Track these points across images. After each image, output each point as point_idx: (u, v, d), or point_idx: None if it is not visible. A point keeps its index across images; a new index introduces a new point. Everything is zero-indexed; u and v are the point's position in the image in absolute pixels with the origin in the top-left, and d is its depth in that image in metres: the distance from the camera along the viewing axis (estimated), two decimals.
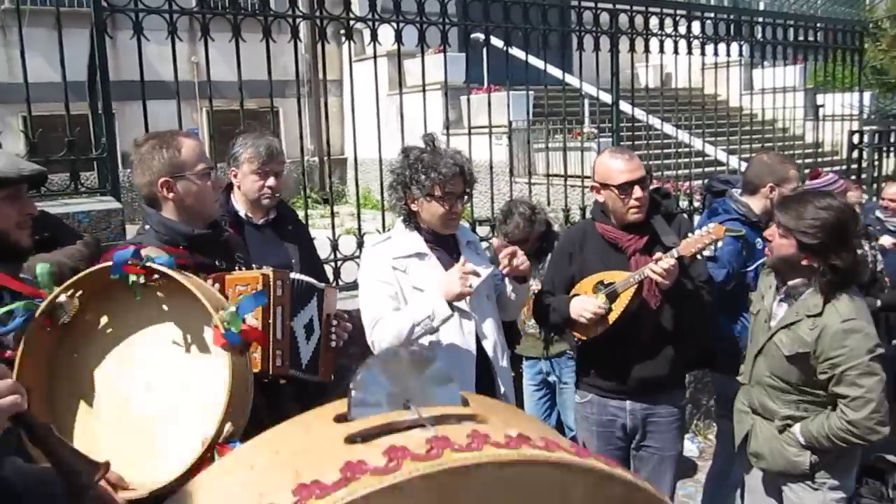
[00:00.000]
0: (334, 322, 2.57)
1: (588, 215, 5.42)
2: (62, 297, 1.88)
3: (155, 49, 3.72)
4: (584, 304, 3.10)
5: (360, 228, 4.31)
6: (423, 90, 4.44)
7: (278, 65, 4.03)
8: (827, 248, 2.78)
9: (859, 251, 4.82)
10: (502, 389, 3.05)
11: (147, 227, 2.34)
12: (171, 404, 1.93)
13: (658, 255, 2.95)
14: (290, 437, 1.03)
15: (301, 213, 4.24)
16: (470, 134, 4.75)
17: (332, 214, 4.35)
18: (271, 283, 2.21)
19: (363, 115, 4.62)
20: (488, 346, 2.98)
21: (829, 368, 2.74)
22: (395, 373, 1.04)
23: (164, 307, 2.01)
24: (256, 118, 10.88)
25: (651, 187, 3.30)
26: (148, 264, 1.88)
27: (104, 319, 2.01)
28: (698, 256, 2.96)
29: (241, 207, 3.21)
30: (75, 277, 1.92)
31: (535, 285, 3.83)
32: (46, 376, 1.94)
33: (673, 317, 3.16)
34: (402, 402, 1.01)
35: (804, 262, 2.83)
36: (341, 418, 1.02)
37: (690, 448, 5.11)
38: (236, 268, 2.38)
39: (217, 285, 2.16)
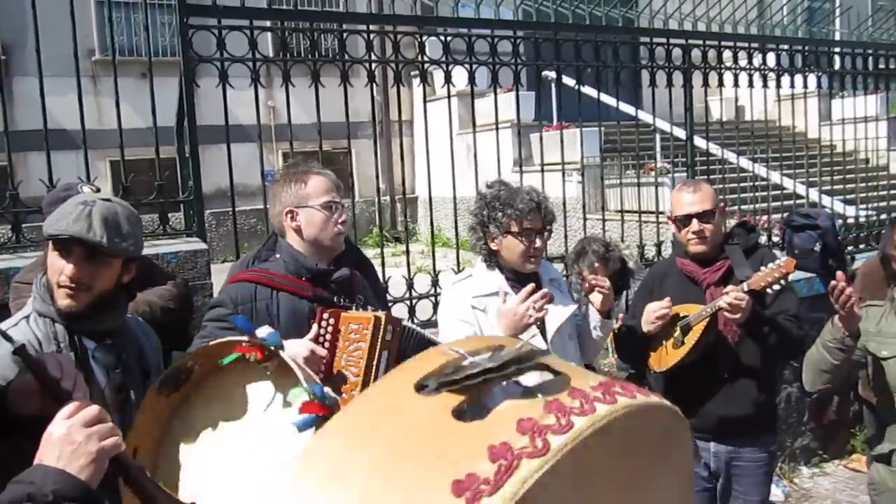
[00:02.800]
0: None
1: (664, 251, 5.39)
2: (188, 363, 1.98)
3: (233, 94, 3.87)
4: (650, 307, 3.08)
5: (434, 265, 4.35)
6: (497, 128, 4.48)
7: (350, 107, 4.14)
8: None
9: None
10: None
11: (277, 255, 2.52)
12: (262, 465, 1.98)
13: (729, 287, 2.90)
14: (383, 424, 0.98)
15: (372, 252, 4.35)
16: (543, 171, 4.76)
17: (408, 252, 4.40)
18: (382, 326, 2.29)
19: (434, 154, 4.69)
20: None
21: None
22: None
23: (267, 373, 2.10)
24: (331, 159, 11.19)
25: (736, 222, 3.28)
26: (260, 344, 1.96)
27: (217, 389, 2.08)
28: (771, 289, 2.89)
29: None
30: (196, 349, 2.04)
31: (614, 324, 3.80)
32: (158, 438, 2.00)
33: (755, 353, 3.08)
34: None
35: None
36: (420, 387, 1.01)
37: (775, 492, 4.91)
38: (354, 307, 2.46)
39: (332, 320, 2.31)
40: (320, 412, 1.96)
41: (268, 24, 3.97)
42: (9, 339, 1.54)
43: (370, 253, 4.36)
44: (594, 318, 2.99)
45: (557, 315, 2.94)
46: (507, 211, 2.84)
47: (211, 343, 2.04)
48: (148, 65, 3.68)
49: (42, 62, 3.38)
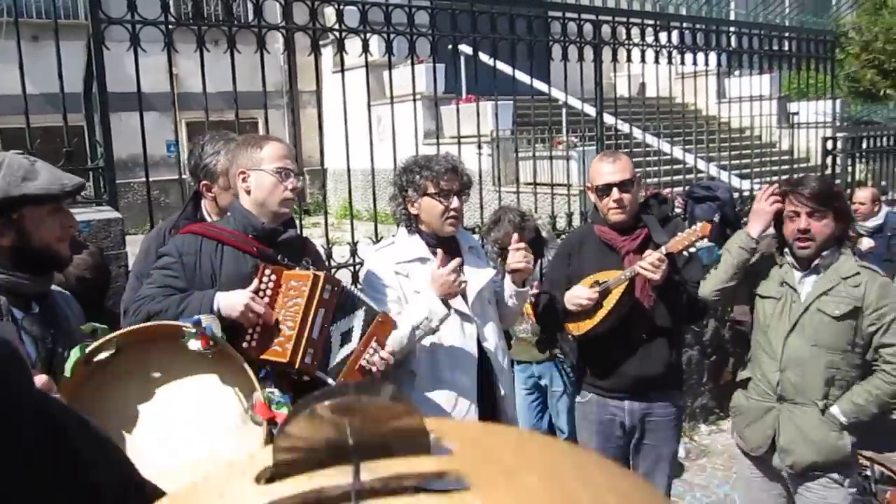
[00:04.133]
0: (373, 345, 2.60)
1: (574, 222, 5.57)
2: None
3: (140, 62, 3.74)
4: (577, 293, 3.20)
5: (353, 236, 4.36)
6: (391, 103, 4.48)
7: (256, 76, 4.05)
8: (847, 210, 3.11)
9: None
10: (503, 392, 3.12)
11: (228, 214, 2.59)
12: (188, 458, 2.02)
13: (648, 251, 3.06)
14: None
15: None
16: (460, 144, 4.81)
17: (326, 221, 4.39)
18: (320, 284, 2.37)
19: (341, 127, 4.64)
20: (490, 348, 3.05)
21: (877, 319, 2.94)
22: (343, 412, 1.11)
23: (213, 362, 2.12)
24: (239, 130, 10.91)
25: (648, 193, 3.43)
26: (205, 333, 2.05)
27: (156, 373, 2.12)
28: (687, 252, 3.07)
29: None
30: (129, 330, 2.06)
31: (529, 292, 3.92)
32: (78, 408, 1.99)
33: (667, 316, 3.25)
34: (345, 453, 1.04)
35: (839, 232, 3.02)
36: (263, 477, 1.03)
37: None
38: (297, 268, 2.52)
39: (274, 276, 2.39)
40: (275, 418, 2.02)
41: None
42: None
43: None
44: (509, 288, 3.09)
45: (477, 279, 3.04)
46: (423, 173, 2.95)
47: (143, 325, 2.12)
48: (54, 26, 3.51)
49: None
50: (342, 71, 4.15)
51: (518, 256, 2.99)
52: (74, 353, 1.96)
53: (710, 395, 5.74)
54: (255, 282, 2.36)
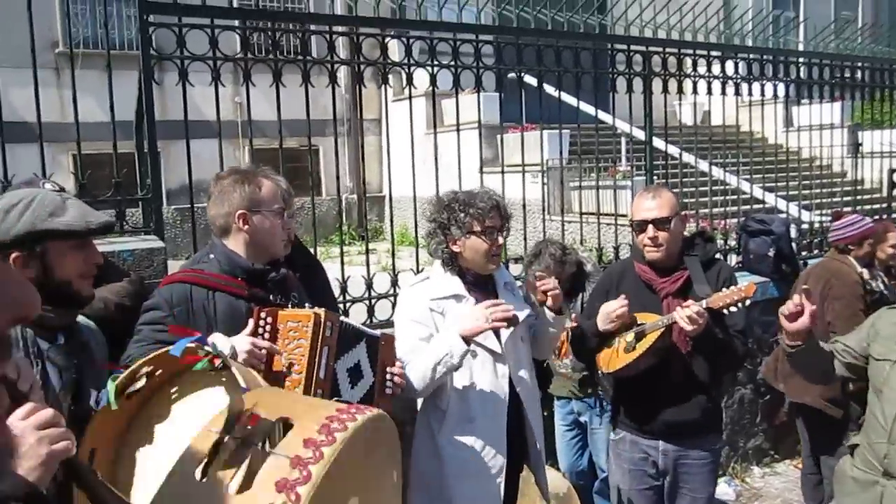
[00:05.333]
0: (389, 370, 2.60)
1: (622, 255, 5.47)
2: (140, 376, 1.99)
3: (200, 89, 3.86)
4: (608, 307, 3.11)
5: (394, 265, 4.37)
6: (458, 130, 4.52)
7: (318, 105, 4.15)
8: None
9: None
10: (534, 433, 3.07)
11: (211, 256, 2.51)
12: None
13: (689, 302, 2.96)
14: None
15: (337, 250, 4.37)
16: (503, 172, 4.80)
17: (367, 252, 4.42)
18: (322, 323, 2.31)
19: (401, 154, 4.72)
20: (521, 389, 3.01)
21: None
22: None
23: (223, 379, 2.13)
24: (297, 157, 11.11)
25: (696, 230, 3.34)
26: (209, 350, 1.99)
27: (174, 389, 2.10)
28: (727, 311, 2.95)
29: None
30: (150, 356, 2.03)
31: (568, 324, 3.86)
32: (116, 442, 2.01)
33: (704, 364, 3.16)
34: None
35: None
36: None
37: (727, 491, 5.03)
38: (289, 305, 2.48)
39: (270, 318, 2.33)
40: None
41: (229, 22, 3.94)
42: None
43: (336, 251, 4.40)
44: (549, 315, 3.05)
45: (508, 306, 2.99)
46: (468, 211, 2.91)
47: (161, 351, 2.06)
48: (107, 59, 3.64)
49: (5, 53, 3.34)
50: (409, 101, 4.22)
51: (547, 286, 2.97)
52: (111, 388, 1.99)
53: (765, 436, 5.53)
54: (251, 326, 2.31)
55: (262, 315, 2.32)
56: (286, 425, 1.46)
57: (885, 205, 7.74)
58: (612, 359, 3.17)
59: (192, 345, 2.04)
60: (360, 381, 2.49)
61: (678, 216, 3.19)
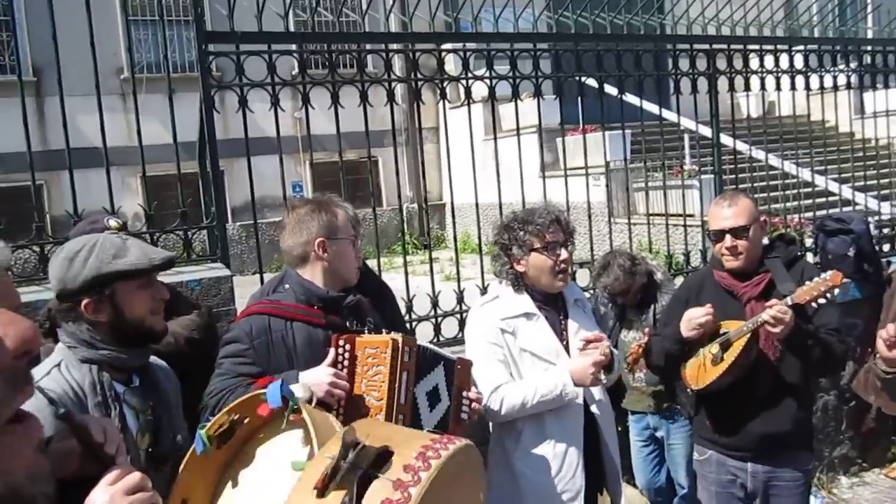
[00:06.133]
0: (465, 395, 2.58)
1: (693, 261, 5.31)
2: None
3: (260, 107, 3.88)
4: (692, 313, 2.98)
5: (459, 282, 4.32)
6: (518, 135, 4.45)
7: (376, 115, 4.13)
8: None
9: None
10: (611, 453, 2.99)
11: (286, 286, 2.56)
12: None
13: (772, 301, 2.83)
14: None
15: (400, 260, 4.35)
16: (566, 176, 4.71)
17: (432, 272, 4.37)
18: (400, 349, 2.32)
19: (460, 161, 4.68)
20: (596, 409, 2.95)
21: None
22: None
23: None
24: (357, 168, 11.20)
25: (776, 233, 3.21)
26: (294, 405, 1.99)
27: (261, 434, 2.11)
28: (815, 303, 2.81)
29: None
30: (235, 402, 2.04)
31: (642, 339, 3.74)
32: (210, 492, 2.02)
33: (797, 369, 3.01)
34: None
35: None
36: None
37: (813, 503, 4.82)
38: (366, 331, 2.50)
39: (348, 346, 2.35)
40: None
41: (286, 47, 3.94)
42: (52, 401, 1.55)
43: (398, 261, 4.40)
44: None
45: (581, 337, 2.92)
46: (527, 228, 2.87)
47: (246, 396, 2.07)
48: (167, 84, 3.69)
49: (73, 81, 3.43)
50: (469, 113, 4.18)
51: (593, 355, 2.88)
52: (202, 435, 1.99)
53: (851, 445, 5.29)
54: (332, 354, 2.32)
55: (341, 343, 2.34)
56: (388, 453, 1.67)
57: None
58: (701, 374, 3.04)
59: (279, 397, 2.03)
60: (437, 405, 2.48)
61: (757, 222, 3.06)
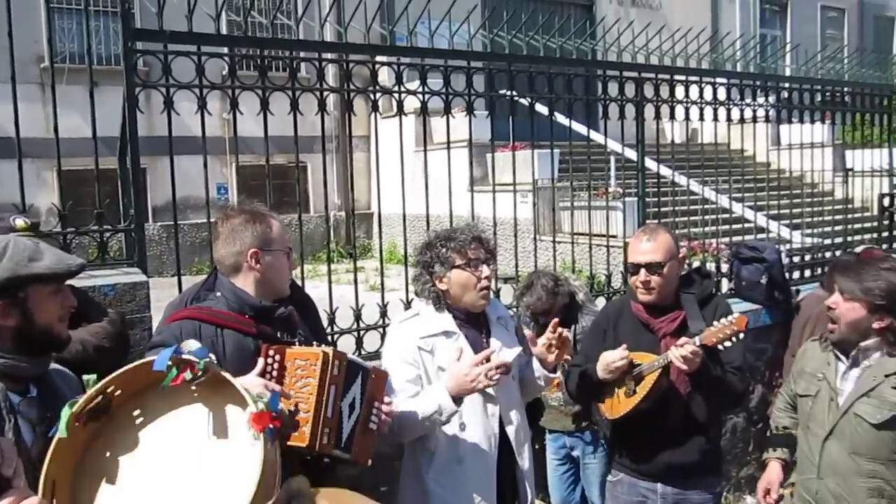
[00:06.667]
0: (376, 405, 2.55)
1: (614, 282, 5.42)
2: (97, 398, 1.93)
3: (188, 106, 3.79)
4: (608, 357, 3.03)
5: (383, 297, 4.29)
6: (448, 149, 4.47)
7: (306, 121, 4.07)
8: None
9: None
10: (524, 471, 3.00)
11: (218, 293, 2.52)
12: (200, 492, 1.96)
13: (682, 340, 2.90)
14: None
15: (324, 268, 4.29)
16: (494, 191, 4.76)
17: (356, 281, 4.33)
18: (330, 361, 2.31)
19: (390, 172, 4.68)
20: (511, 429, 2.95)
21: None
22: None
23: (195, 394, 2.05)
24: (285, 173, 11.03)
25: (694, 262, 3.30)
26: (188, 358, 1.95)
27: (136, 412, 2.06)
28: (722, 346, 2.89)
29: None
30: (113, 375, 1.97)
31: (557, 376, 3.79)
32: (74, 470, 1.96)
33: (703, 403, 3.10)
34: None
35: (875, 325, 2.79)
36: None
37: None
38: (297, 343, 2.48)
39: (278, 356, 2.33)
40: (271, 423, 1.92)
41: (216, 49, 3.85)
42: None
43: (323, 269, 4.35)
44: (538, 369, 2.99)
45: (503, 358, 2.92)
46: (449, 245, 2.87)
47: (127, 367, 2.01)
48: (89, 77, 3.55)
49: None
50: (400, 125, 4.17)
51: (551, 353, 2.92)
52: (65, 413, 1.91)
53: (757, 465, 5.47)
54: (261, 363, 2.30)
55: (271, 353, 2.32)
56: None
57: (876, 224, 7.72)
58: (614, 404, 3.12)
59: (173, 358, 1.95)
60: (353, 414, 2.45)
61: (674, 259, 3.12)
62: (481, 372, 2.64)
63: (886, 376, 2.74)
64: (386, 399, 2.59)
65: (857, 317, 2.80)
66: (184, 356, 1.96)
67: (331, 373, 2.31)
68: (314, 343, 2.48)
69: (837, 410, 2.85)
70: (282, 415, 2.02)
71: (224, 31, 10.17)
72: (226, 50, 4.00)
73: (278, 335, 2.47)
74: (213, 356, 2.06)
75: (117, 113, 3.67)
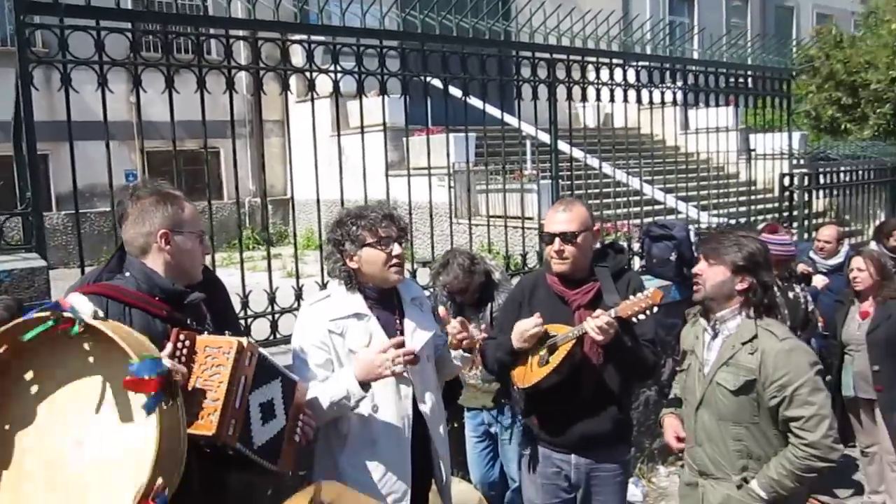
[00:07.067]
0: (301, 416, 2.53)
1: (530, 261, 5.49)
2: None
3: (90, 89, 3.60)
4: (523, 325, 3.07)
5: (298, 279, 4.23)
6: (362, 132, 4.43)
7: (218, 105, 3.95)
8: (758, 265, 2.91)
9: (790, 293, 4.97)
10: (438, 454, 3.01)
11: (127, 273, 2.39)
12: (103, 459, 1.94)
13: (598, 312, 2.95)
14: None
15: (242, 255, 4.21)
16: (409, 175, 4.74)
17: (269, 266, 4.24)
18: (244, 352, 2.24)
19: (305, 157, 4.59)
20: (426, 409, 2.94)
21: (778, 391, 2.78)
22: None
23: (91, 360, 2.02)
24: (196, 159, 10.72)
25: (608, 239, 3.36)
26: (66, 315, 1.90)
27: (29, 376, 2.02)
28: (636, 319, 2.96)
29: None
30: None
31: (478, 335, 3.82)
32: None
33: (616, 374, 3.17)
34: None
35: (738, 286, 2.91)
36: None
37: (634, 492, 5.11)
38: (206, 331, 2.39)
39: (188, 342, 2.24)
40: (150, 389, 1.86)
41: (117, 24, 3.69)
42: None
43: (237, 256, 4.27)
44: (455, 352, 2.99)
45: (418, 339, 2.92)
46: (359, 223, 2.84)
47: (10, 324, 1.96)
48: None
49: None
50: (312, 106, 4.08)
51: (460, 334, 2.92)
52: None
53: None
54: (169, 347, 2.20)
55: (181, 337, 2.22)
56: None
57: (776, 204, 8.07)
58: (527, 373, 3.14)
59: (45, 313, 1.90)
60: (271, 421, 2.40)
61: (588, 231, 3.17)
62: (388, 358, 2.63)
63: (742, 344, 2.88)
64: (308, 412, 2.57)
65: (722, 279, 2.93)
66: (65, 314, 1.91)
67: (243, 363, 2.25)
68: (227, 333, 2.40)
69: (704, 380, 3.00)
70: (163, 377, 1.93)
71: (129, 5, 9.82)
72: (129, 26, 3.83)
73: (188, 321, 2.38)
74: (99, 312, 2.03)
75: (12, 95, 3.48)
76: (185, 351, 2.23)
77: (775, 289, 4.49)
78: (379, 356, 2.64)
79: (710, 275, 2.96)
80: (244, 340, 2.28)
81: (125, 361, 1.88)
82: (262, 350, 2.39)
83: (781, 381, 2.77)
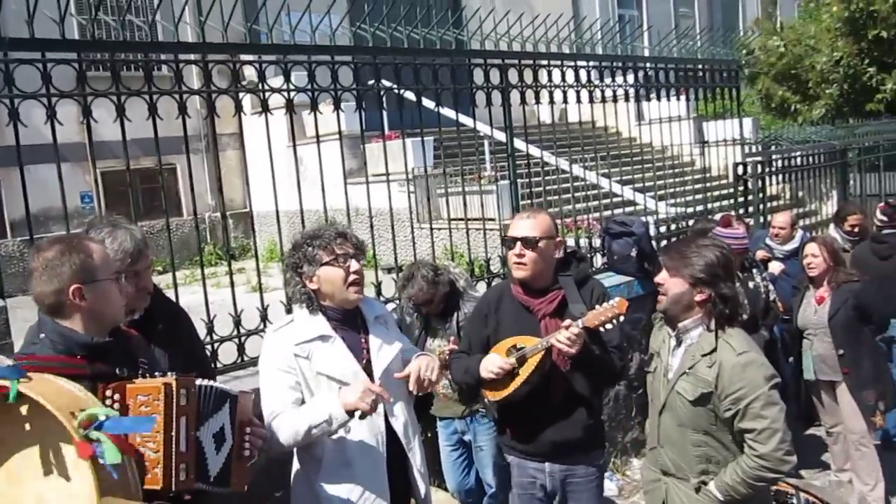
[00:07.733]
0: (248, 430, 2.48)
1: (493, 266, 5.52)
2: None
3: (39, 113, 3.52)
4: (491, 362, 3.13)
5: (262, 300, 4.21)
6: (318, 143, 4.43)
7: (172, 121, 3.91)
8: (717, 278, 2.95)
9: (751, 283, 5.08)
10: (416, 465, 3.03)
11: (42, 335, 2.21)
12: None
13: (566, 322, 3.00)
14: None
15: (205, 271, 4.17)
16: (368, 183, 4.75)
17: (233, 287, 4.21)
18: (174, 393, 2.12)
19: (262, 169, 4.58)
20: (398, 425, 2.96)
21: (733, 404, 2.84)
22: None
23: (28, 426, 1.93)
24: (152, 177, 10.57)
25: (568, 250, 3.42)
26: None
27: None
28: (604, 328, 3.01)
29: None
30: None
31: (446, 347, 3.85)
32: None
33: (584, 381, 3.22)
34: None
35: (697, 298, 2.96)
36: None
37: (609, 487, 5.18)
38: (140, 374, 2.27)
39: (118, 395, 2.10)
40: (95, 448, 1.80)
41: (64, 55, 3.63)
42: None
43: (199, 273, 4.23)
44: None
45: (385, 355, 2.94)
46: (315, 243, 2.86)
47: None
48: None
49: None
50: (266, 124, 4.06)
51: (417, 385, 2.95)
52: None
53: (641, 429, 5.74)
54: None
55: (108, 393, 2.10)
56: None
57: (731, 191, 8.20)
58: (497, 386, 3.18)
59: None
60: (223, 446, 2.35)
61: (551, 238, 3.22)
62: (362, 401, 2.67)
63: (703, 356, 2.94)
64: (254, 421, 2.54)
65: (681, 290, 2.98)
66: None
67: (177, 404, 2.13)
68: (157, 374, 2.25)
69: (668, 385, 3.06)
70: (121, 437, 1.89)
71: (76, 34, 9.65)
72: (75, 56, 3.78)
73: (116, 371, 2.22)
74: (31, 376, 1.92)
75: None
76: (115, 407, 2.09)
77: (737, 284, 4.62)
78: (367, 392, 2.68)
79: (671, 285, 3.01)
80: (171, 380, 2.15)
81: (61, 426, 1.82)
82: (200, 381, 2.29)
83: (736, 394, 2.83)
